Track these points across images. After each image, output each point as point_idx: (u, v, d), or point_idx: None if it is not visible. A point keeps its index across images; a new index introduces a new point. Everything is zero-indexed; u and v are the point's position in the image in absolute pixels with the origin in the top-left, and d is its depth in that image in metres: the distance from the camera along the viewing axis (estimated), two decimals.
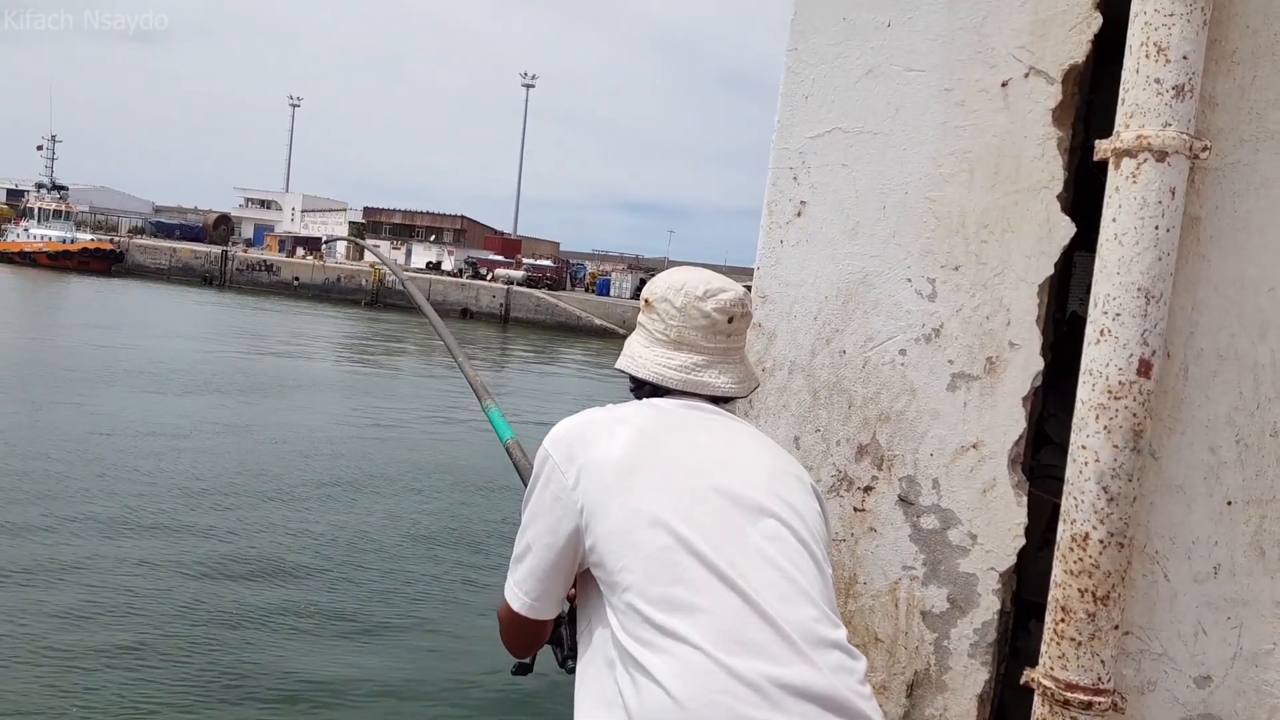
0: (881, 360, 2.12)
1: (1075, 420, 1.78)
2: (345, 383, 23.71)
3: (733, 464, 1.52)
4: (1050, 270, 1.98)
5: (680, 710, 1.28)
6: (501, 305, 52.55)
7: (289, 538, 9.87)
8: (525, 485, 1.94)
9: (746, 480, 1.50)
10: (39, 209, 66.85)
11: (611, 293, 56.59)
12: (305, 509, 11.07)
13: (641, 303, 1.75)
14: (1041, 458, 2.39)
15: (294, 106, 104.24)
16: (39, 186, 70.87)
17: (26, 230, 65.19)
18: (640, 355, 1.70)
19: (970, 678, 2.03)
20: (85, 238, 64.47)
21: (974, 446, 2.04)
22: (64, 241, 62.31)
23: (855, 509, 2.15)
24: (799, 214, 2.18)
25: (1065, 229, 1.95)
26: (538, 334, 45.29)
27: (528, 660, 1.73)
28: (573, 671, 1.69)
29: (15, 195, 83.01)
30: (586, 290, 59.17)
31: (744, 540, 1.42)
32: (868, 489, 2.14)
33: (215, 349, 26.57)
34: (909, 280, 2.09)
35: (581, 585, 1.58)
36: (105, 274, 59.51)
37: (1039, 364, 1.99)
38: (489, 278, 57.54)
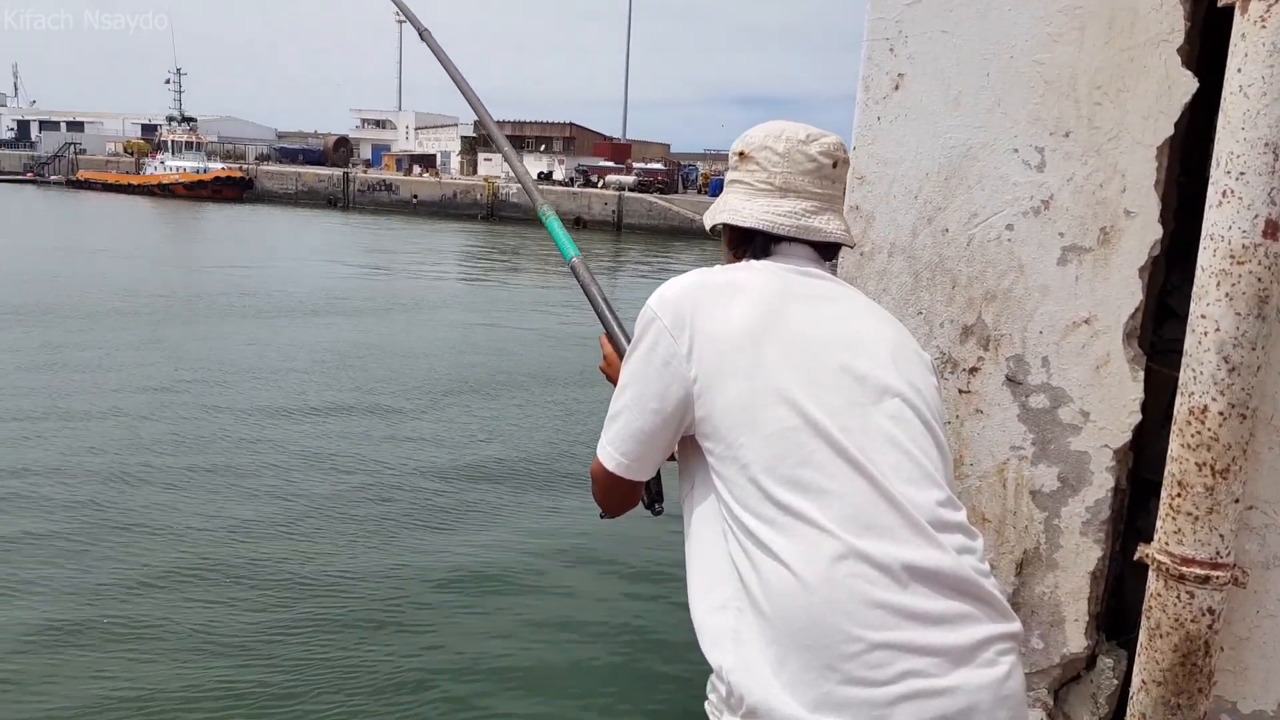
0: (987, 237, 2.04)
1: (1195, 288, 1.70)
2: (469, 297, 24.35)
3: (856, 339, 1.46)
4: (1170, 131, 1.86)
5: (808, 593, 1.28)
6: (613, 212, 52.55)
7: (428, 446, 10.33)
8: (592, 304, 1.93)
9: (870, 357, 1.45)
10: (171, 142, 70.09)
11: None
12: (444, 420, 11.54)
13: (734, 158, 1.64)
14: (1164, 333, 2.28)
15: (400, 23, 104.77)
16: (170, 120, 74.14)
17: (163, 163, 68.45)
18: (742, 208, 1.59)
19: (1082, 555, 2.00)
20: (216, 167, 67.25)
21: (1086, 322, 1.96)
22: (197, 171, 65.16)
23: (960, 391, 2.11)
24: (896, 87, 2.10)
25: (1186, 85, 1.82)
26: (651, 239, 45.25)
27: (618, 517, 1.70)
28: (659, 514, 1.74)
29: (149, 130, 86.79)
30: (699, 192, 58.45)
31: (869, 422, 1.39)
32: (973, 370, 2.09)
33: (349, 270, 27.63)
34: (1016, 150, 1.99)
35: (684, 449, 1.55)
36: (237, 200, 62.09)
37: (1157, 232, 1.89)
38: (600, 185, 57.50)
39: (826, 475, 1.34)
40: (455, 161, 74.74)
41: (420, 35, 2.53)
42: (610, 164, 64.78)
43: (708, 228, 1.69)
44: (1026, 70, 1.95)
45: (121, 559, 6.91)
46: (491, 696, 5.46)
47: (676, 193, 57.30)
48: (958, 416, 2.12)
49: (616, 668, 5.85)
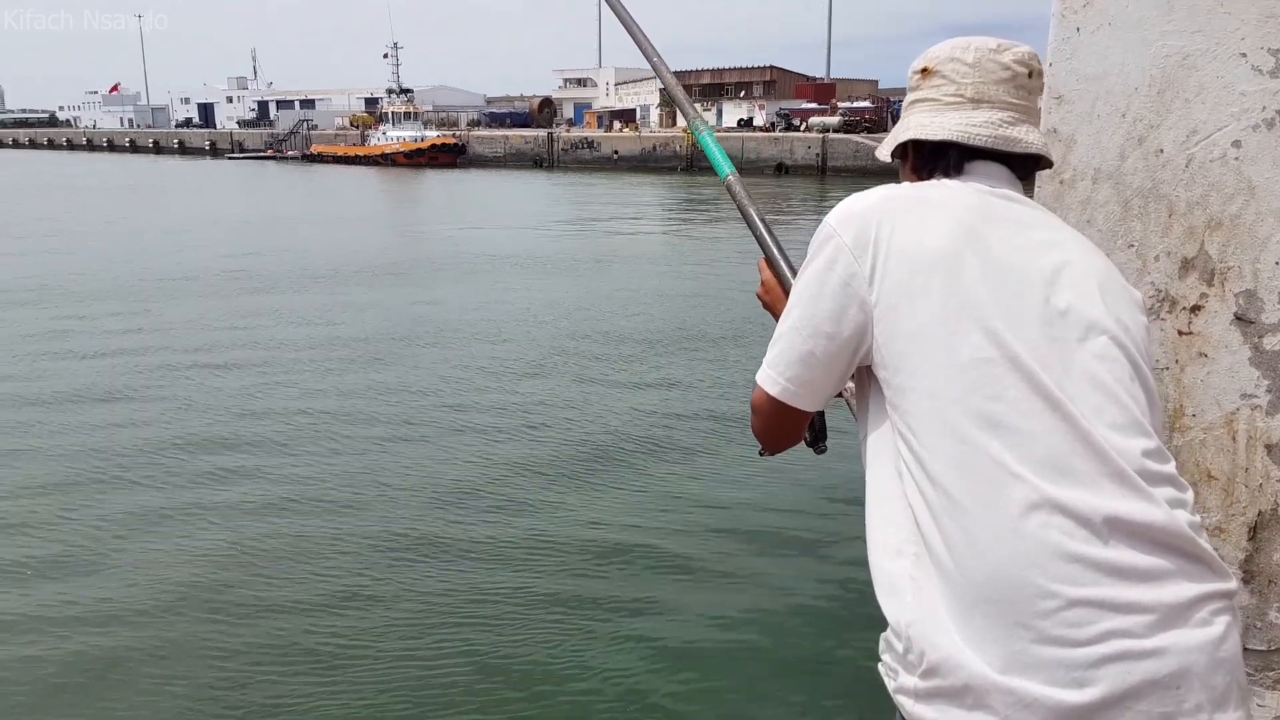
0: (1209, 156, 1.79)
1: None
2: (667, 249, 24.57)
3: (1061, 270, 1.32)
4: None
5: (995, 544, 1.18)
6: (817, 156, 51.30)
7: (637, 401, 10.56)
8: (749, 225, 1.80)
9: (1077, 290, 1.31)
10: (391, 113, 74.65)
11: None
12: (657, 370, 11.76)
13: (915, 76, 1.50)
14: None
15: None
16: (389, 92, 78.87)
17: (384, 134, 73.05)
18: (930, 122, 1.45)
19: None
20: (432, 135, 70.95)
21: None
22: (416, 140, 69.04)
23: (1180, 332, 1.88)
24: None
25: None
26: (859, 182, 43.72)
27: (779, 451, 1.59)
28: (823, 453, 1.63)
29: (371, 103, 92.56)
30: None
31: (1072, 360, 1.26)
32: (1195, 309, 1.85)
33: (553, 228, 28.59)
34: (1243, 55, 1.73)
35: (860, 381, 1.44)
36: (452, 166, 65.29)
37: None
38: (803, 128, 56.26)
39: (1021, 413, 1.21)
40: (655, 115, 75.16)
41: None
42: (813, 106, 63.03)
43: (886, 156, 1.57)
44: None
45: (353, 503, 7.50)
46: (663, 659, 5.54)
47: (885, 131, 55.13)
48: (1177, 361, 1.89)
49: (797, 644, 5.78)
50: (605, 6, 2.30)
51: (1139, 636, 1.14)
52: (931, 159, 1.46)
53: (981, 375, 1.23)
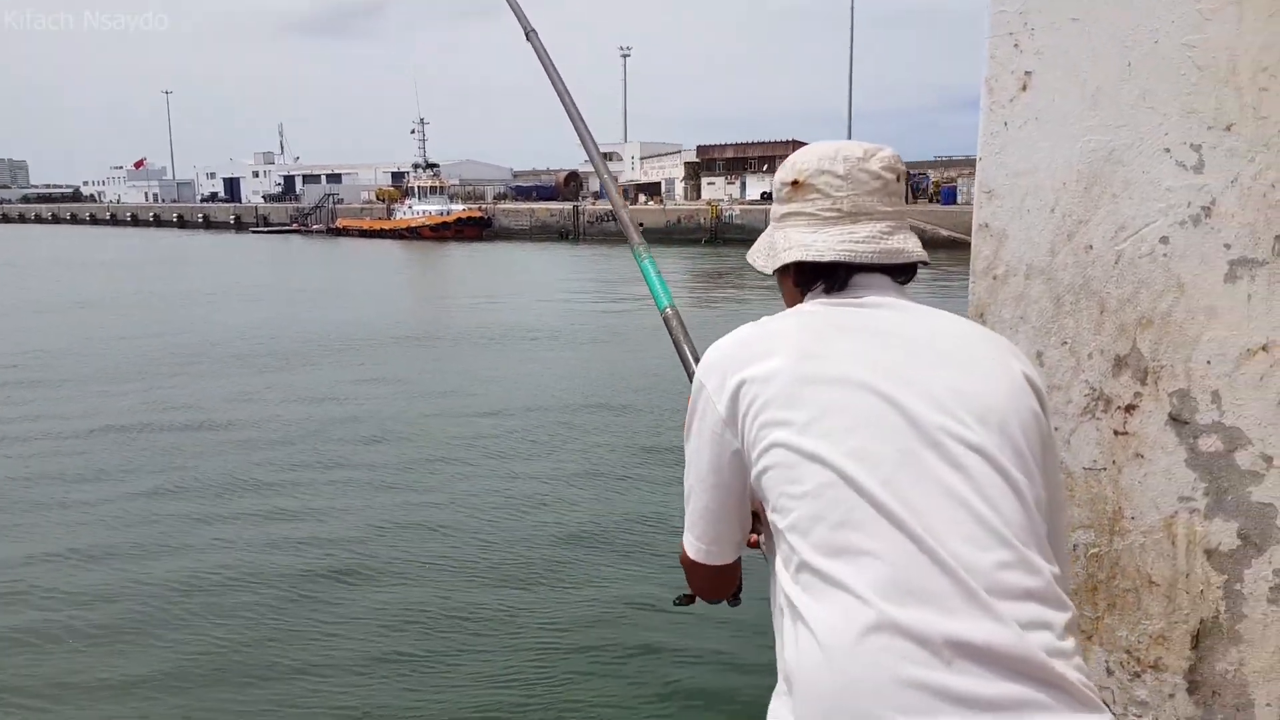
0: (1138, 252, 1.76)
1: None
2: (691, 321, 24.59)
3: (914, 375, 1.28)
4: None
5: (832, 670, 1.14)
6: None
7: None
8: (682, 360, 1.85)
9: (927, 396, 1.26)
10: (417, 187, 75.97)
11: (958, 200, 53.26)
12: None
13: (783, 189, 1.47)
14: None
15: (624, 57, 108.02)
16: (415, 167, 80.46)
17: (410, 207, 74.16)
18: (813, 242, 1.42)
19: (1272, 627, 1.67)
20: (458, 208, 71.90)
21: (1264, 349, 1.64)
22: (441, 214, 70.05)
23: (1116, 432, 1.82)
24: (1024, 88, 1.85)
25: None
26: None
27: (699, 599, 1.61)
28: (736, 605, 1.64)
29: (398, 178, 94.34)
30: (930, 200, 56.32)
31: (923, 471, 1.21)
32: (1130, 408, 1.80)
33: (573, 301, 28.81)
34: (1167, 150, 1.70)
35: (764, 522, 1.42)
36: (477, 239, 66.13)
37: None
38: None
39: (867, 535, 1.18)
40: (679, 188, 76.22)
41: (526, 35, 2.51)
42: None
43: (767, 270, 1.53)
44: (1175, 56, 1.66)
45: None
46: None
47: (907, 203, 55.44)
48: (1114, 462, 1.83)
49: None
50: (568, 116, 2.35)
51: None
52: (813, 275, 1.45)
53: (826, 502, 1.21)
